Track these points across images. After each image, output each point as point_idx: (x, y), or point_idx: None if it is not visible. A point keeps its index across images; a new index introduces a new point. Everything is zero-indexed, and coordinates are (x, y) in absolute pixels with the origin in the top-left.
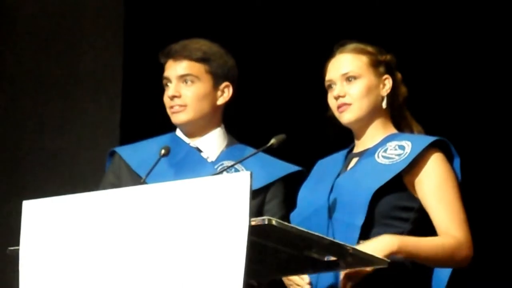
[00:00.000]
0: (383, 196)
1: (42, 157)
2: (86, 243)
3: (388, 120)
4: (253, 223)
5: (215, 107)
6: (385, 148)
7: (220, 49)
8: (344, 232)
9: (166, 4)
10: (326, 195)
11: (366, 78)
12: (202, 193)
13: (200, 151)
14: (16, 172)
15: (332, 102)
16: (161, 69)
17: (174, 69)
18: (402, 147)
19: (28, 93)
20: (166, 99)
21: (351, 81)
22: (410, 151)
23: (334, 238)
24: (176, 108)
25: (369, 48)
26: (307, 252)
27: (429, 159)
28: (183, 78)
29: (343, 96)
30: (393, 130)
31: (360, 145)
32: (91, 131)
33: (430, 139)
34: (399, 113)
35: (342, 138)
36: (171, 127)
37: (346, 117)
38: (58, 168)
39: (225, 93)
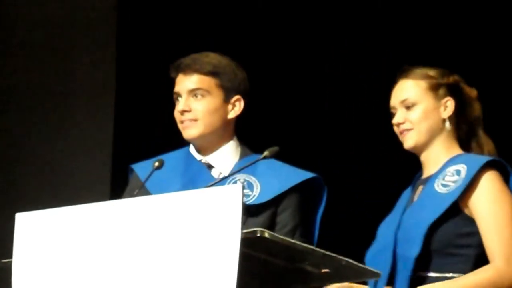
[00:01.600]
0: (441, 226)
1: (36, 169)
2: (80, 256)
3: (453, 142)
4: (245, 235)
5: (226, 121)
6: (444, 174)
7: (231, 62)
8: (402, 266)
9: (159, 16)
10: (393, 231)
11: (424, 103)
12: (194, 205)
13: (212, 167)
14: (9, 183)
15: (395, 129)
16: (154, 79)
17: (184, 83)
18: (458, 172)
19: (21, 105)
20: (176, 114)
21: (410, 107)
22: (465, 176)
23: (395, 274)
24: (187, 123)
25: (431, 72)
26: (300, 265)
27: (482, 179)
28: (193, 92)
29: (403, 123)
30: (456, 152)
31: (425, 171)
32: (84, 143)
33: (483, 160)
34: (469, 132)
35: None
36: (166, 138)
37: (407, 143)
38: (51, 180)
39: (236, 107)
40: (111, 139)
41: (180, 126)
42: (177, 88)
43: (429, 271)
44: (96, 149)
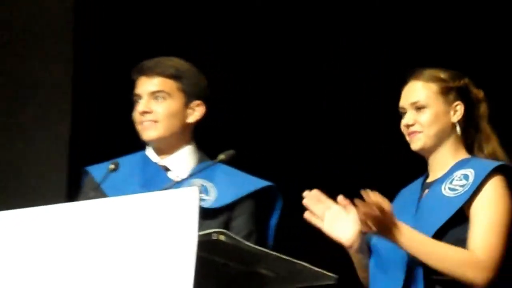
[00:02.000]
0: (448, 230)
1: None
2: (34, 259)
3: (460, 145)
4: (201, 238)
5: (185, 125)
6: (452, 178)
7: (193, 67)
8: (409, 268)
9: (116, 17)
10: None
11: (435, 107)
12: (151, 208)
13: (168, 169)
14: None
15: (403, 129)
16: (111, 81)
17: (146, 85)
18: (466, 177)
19: None
20: (136, 115)
21: (420, 109)
22: (473, 181)
23: (405, 276)
24: (147, 125)
25: (441, 75)
26: (255, 268)
27: (486, 185)
28: (154, 94)
29: (412, 125)
30: (463, 156)
31: (432, 174)
32: (40, 145)
33: (492, 165)
34: (475, 133)
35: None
36: (123, 141)
37: (415, 145)
38: (5, 182)
39: (197, 112)
40: (68, 140)
41: (139, 127)
42: (138, 90)
43: (433, 275)
44: (52, 151)
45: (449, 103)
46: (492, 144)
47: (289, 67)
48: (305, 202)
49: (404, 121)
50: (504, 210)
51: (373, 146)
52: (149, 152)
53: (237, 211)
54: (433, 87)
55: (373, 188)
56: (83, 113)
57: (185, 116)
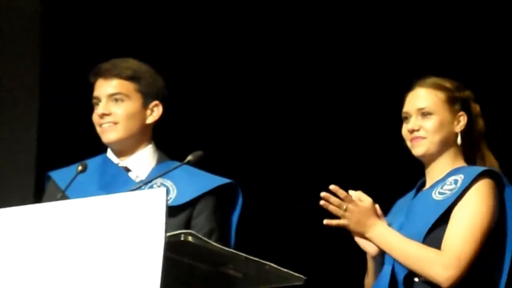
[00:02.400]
0: (436, 233)
1: None
2: None
3: (459, 155)
4: (168, 239)
5: (144, 126)
6: (444, 184)
7: (150, 68)
8: (399, 271)
9: (83, 20)
10: None
11: (441, 115)
12: (118, 209)
13: (129, 170)
14: None
15: (406, 134)
16: (78, 83)
17: (104, 88)
18: (456, 181)
19: None
20: (95, 118)
21: (426, 116)
22: (461, 184)
23: (396, 278)
24: (107, 127)
25: (448, 84)
26: (223, 269)
27: (473, 187)
28: (113, 96)
29: (417, 130)
30: (461, 164)
31: (429, 180)
32: (8, 147)
33: (480, 169)
34: (473, 146)
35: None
36: (91, 144)
37: (418, 150)
38: None
39: (155, 112)
40: (35, 145)
41: (98, 129)
42: (96, 93)
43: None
44: (20, 153)
45: (454, 113)
46: (491, 163)
47: (256, 64)
48: (323, 203)
49: (409, 126)
50: (483, 212)
51: (337, 146)
52: (110, 154)
53: (197, 209)
54: (440, 95)
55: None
56: (50, 116)
57: (144, 117)
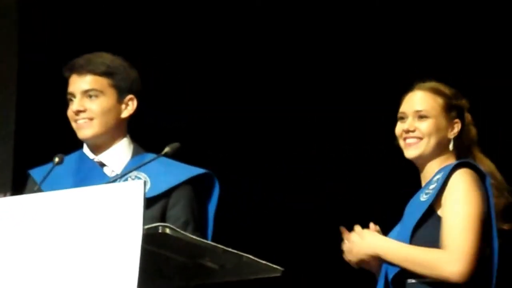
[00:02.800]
0: (423, 231)
1: None
2: None
3: (450, 160)
4: (146, 231)
5: (119, 120)
6: (430, 183)
7: (123, 62)
8: (389, 272)
9: (61, 12)
10: None
11: (438, 119)
12: (95, 201)
13: (104, 165)
14: None
15: (399, 133)
16: (56, 76)
17: (79, 84)
18: (437, 180)
19: None
20: (70, 114)
21: (423, 118)
22: (439, 181)
23: (388, 279)
24: (82, 123)
25: (447, 91)
26: (200, 260)
27: (452, 178)
28: (87, 92)
29: (413, 131)
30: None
31: (422, 183)
32: None
33: (455, 162)
34: (466, 152)
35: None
36: (70, 138)
37: (411, 152)
38: None
39: (129, 106)
40: (13, 136)
41: (74, 125)
42: (71, 89)
43: (412, 277)
44: None
45: (449, 119)
46: (486, 167)
47: (257, 65)
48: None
49: (405, 126)
50: (471, 200)
51: (337, 146)
52: (86, 149)
53: (172, 200)
54: (439, 101)
55: (336, 187)
56: (28, 108)
57: (119, 111)
